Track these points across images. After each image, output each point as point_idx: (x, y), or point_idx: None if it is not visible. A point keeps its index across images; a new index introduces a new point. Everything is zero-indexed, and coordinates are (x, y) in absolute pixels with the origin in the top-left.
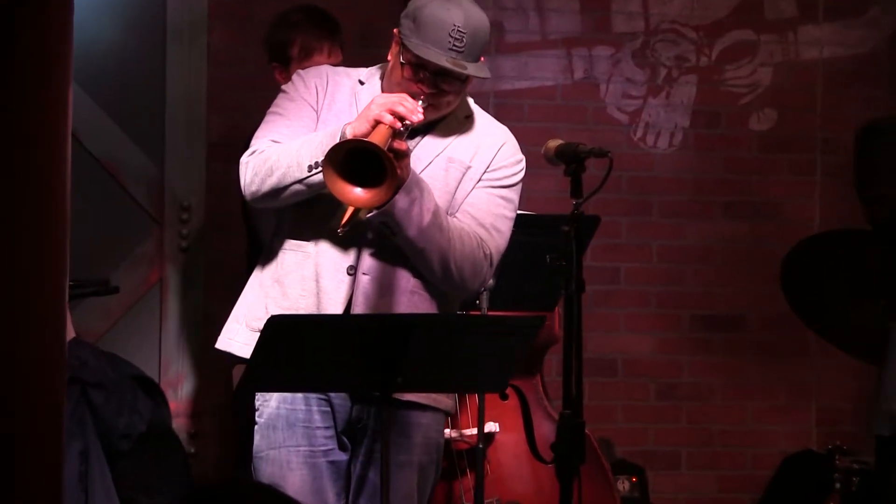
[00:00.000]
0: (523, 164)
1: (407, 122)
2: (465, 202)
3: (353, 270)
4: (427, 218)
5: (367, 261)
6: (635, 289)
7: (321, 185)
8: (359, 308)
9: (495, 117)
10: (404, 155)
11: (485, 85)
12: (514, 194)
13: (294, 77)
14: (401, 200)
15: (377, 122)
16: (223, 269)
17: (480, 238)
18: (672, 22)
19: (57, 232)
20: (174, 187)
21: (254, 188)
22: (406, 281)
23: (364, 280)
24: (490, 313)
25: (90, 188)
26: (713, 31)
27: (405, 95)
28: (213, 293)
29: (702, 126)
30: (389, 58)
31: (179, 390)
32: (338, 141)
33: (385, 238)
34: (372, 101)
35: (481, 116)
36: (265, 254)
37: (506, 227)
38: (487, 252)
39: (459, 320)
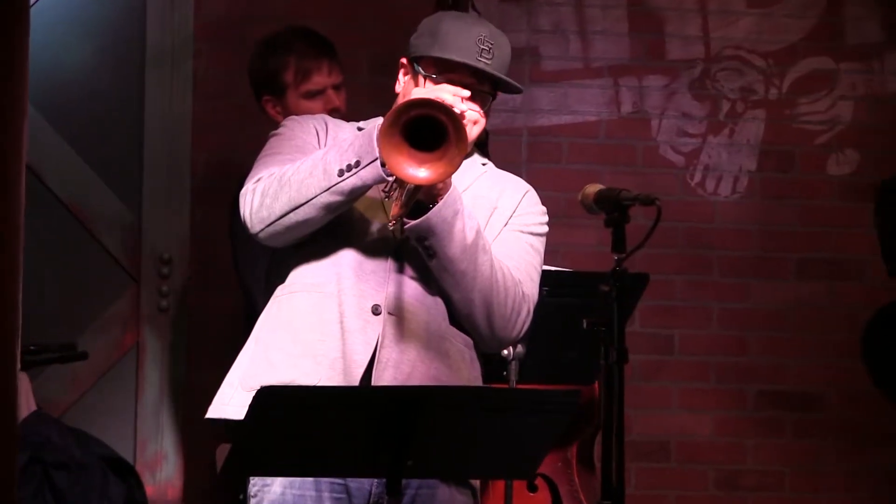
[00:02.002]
0: (547, 217)
1: (455, 110)
2: (494, 244)
3: (378, 310)
4: (471, 235)
5: (395, 300)
6: (691, 359)
7: (355, 193)
8: (387, 352)
9: (528, 158)
10: None
11: (516, 121)
12: (540, 246)
13: (286, 121)
14: (445, 209)
15: None
16: (209, 332)
17: (519, 279)
18: (736, 47)
19: (5, 286)
20: (153, 237)
21: (264, 213)
22: (437, 324)
23: (391, 321)
24: (519, 386)
25: (55, 237)
26: (785, 58)
27: (445, 85)
28: (198, 360)
29: (771, 169)
30: (397, 90)
31: (158, 473)
32: (374, 138)
33: (416, 273)
34: (411, 92)
35: (497, 169)
36: (263, 308)
37: (537, 279)
38: (527, 294)
39: (482, 393)
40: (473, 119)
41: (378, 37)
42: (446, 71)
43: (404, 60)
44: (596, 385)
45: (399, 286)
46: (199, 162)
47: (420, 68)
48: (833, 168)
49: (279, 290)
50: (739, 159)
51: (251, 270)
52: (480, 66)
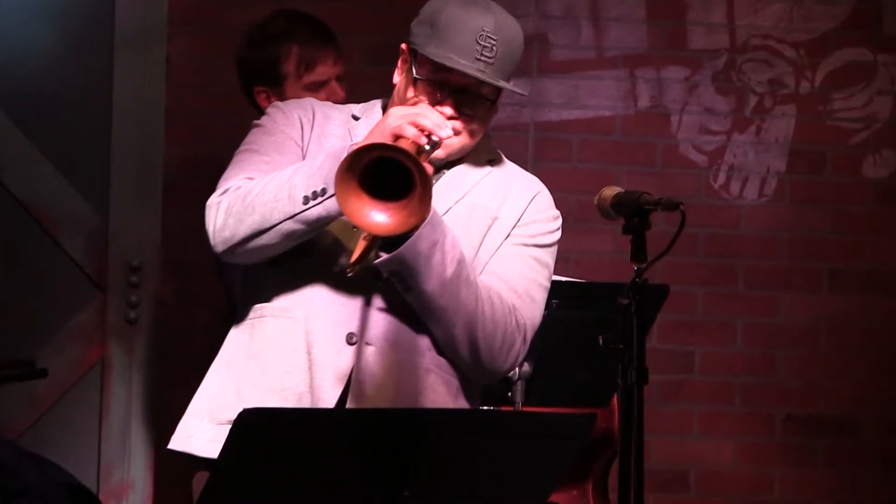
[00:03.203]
0: (560, 222)
1: (434, 137)
2: (491, 261)
3: (354, 339)
4: (451, 268)
5: (373, 327)
6: (714, 380)
7: (320, 223)
8: (362, 388)
9: (535, 156)
10: (430, 180)
11: (522, 115)
12: (549, 257)
13: (270, 109)
14: (420, 243)
15: (397, 137)
16: (183, 347)
17: (513, 305)
18: (765, 36)
19: None
20: (121, 242)
21: (227, 233)
22: (421, 355)
23: (369, 351)
24: (526, 409)
25: (11, 242)
26: (818, 48)
27: (429, 106)
28: (170, 378)
29: (802, 171)
30: (396, 79)
31: (125, 502)
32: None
33: (396, 298)
34: (387, 113)
35: (507, 163)
36: (233, 327)
37: (540, 297)
38: (521, 322)
39: (485, 417)
40: (466, 130)
41: (372, 22)
42: (442, 70)
43: (404, 47)
44: (613, 407)
45: (379, 313)
46: (173, 157)
47: (414, 68)
48: (869, 170)
49: (252, 311)
50: (767, 159)
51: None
52: (475, 72)
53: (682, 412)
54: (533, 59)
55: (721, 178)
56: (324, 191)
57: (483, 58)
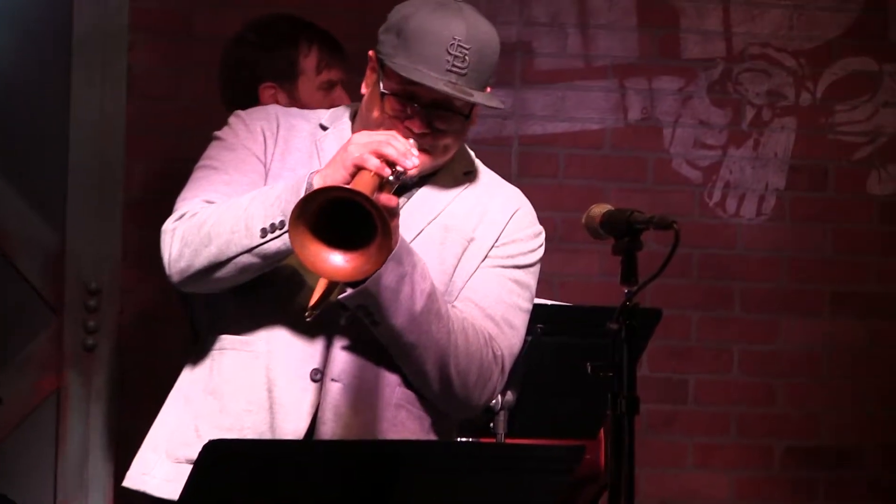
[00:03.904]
0: (542, 238)
1: (398, 168)
2: (466, 286)
3: (319, 375)
4: (420, 302)
5: (339, 363)
6: (709, 409)
7: (279, 257)
8: (327, 427)
9: (519, 171)
10: (393, 213)
11: (505, 128)
12: (530, 278)
13: (232, 119)
14: (387, 276)
15: (358, 169)
16: (144, 374)
17: (489, 334)
18: (763, 45)
19: None
20: (78, 263)
21: (182, 264)
22: (391, 390)
23: (334, 388)
24: (509, 441)
25: None
26: (819, 58)
27: (394, 133)
28: (131, 407)
29: (802, 188)
30: (364, 90)
31: None
32: (303, 194)
33: (364, 331)
34: (349, 140)
35: (486, 174)
36: (191, 358)
37: (520, 322)
38: (498, 353)
39: (466, 450)
40: (439, 146)
41: (351, 30)
42: (410, 83)
43: (372, 55)
44: (601, 438)
45: (346, 347)
46: (135, 173)
47: (382, 81)
48: (874, 187)
49: (213, 342)
50: (766, 175)
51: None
52: (444, 87)
53: (676, 444)
54: (517, 68)
55: (716, 196)
56: (282, 223)
57: (455, 69)
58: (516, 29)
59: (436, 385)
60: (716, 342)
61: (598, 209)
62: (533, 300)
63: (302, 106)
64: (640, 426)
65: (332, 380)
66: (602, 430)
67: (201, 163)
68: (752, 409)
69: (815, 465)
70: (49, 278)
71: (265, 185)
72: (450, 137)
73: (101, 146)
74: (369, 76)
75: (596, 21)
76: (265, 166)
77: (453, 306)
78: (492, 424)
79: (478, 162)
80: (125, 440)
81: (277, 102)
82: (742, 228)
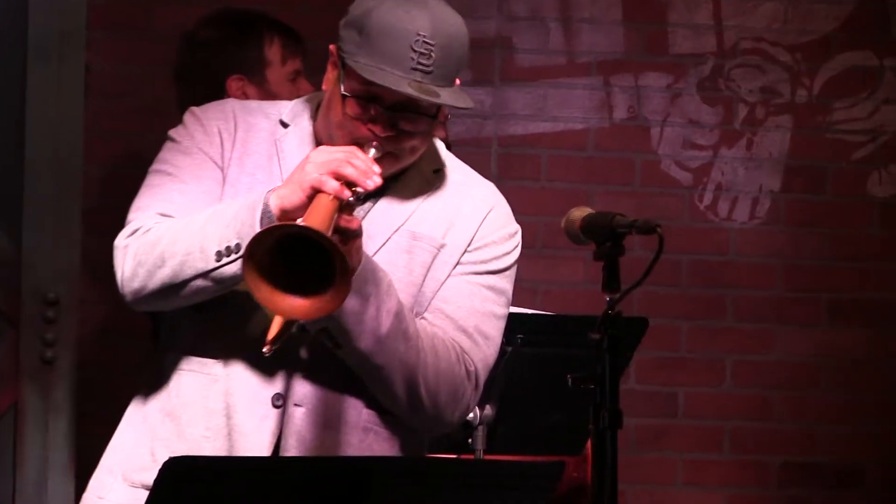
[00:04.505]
0: (519, 238)
1: (358, 189)
2: (437, 296)
3: (281, 400)
4: (387, 323)
5: (302, 386)
6: (700, 424)
7: (235, 281)
8: (290, 453)
9: (499, 174)
10: (354, 235)
11: (484, 128)
12: (506, 282)
13: (187, 118)
14: (350, 300)
15: (316, 191)
16: (106, 390)
17: (461, 348)
18: (756, 39)
19: None
20: (35, 272)
21: (136, 284)
22: (357, 413)
23: (298, 414)
24: (488, 457)
25: None
26: (816, 52)
27: (354, 150)
28: (92, 425)
29: (798, 190)
30: (325, 86)
31: None
32: (259, 215)
33: (327, 352)
34: (307, 157)
35: (458, 170)
36: (150, 374)
37: (496, 331)
38: (471, 368)
39: (440, 467)
40: (405, 148)
41: (318, 27)
42: (371, 84)
43: (333, 49)
44: (586, 455)
45: (309, 370)
46: (93, 178)
47: (343, 82)
48: (875, 188)
49: (172, 359)
50: (760, 177)
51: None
52: (407, 89)
53: (665, 460)
54: (496, 65)
55: (708, 199)
56: (238, 246)
57: (420, 66)
58: (495, 23)
59: (405, 406)
60: (707, 353)
61: (579, 213)
62: (509, 305)
63: (272, 97)
64: (628, 441)
65: (295, 405)
66: (588, 446)
67: (155, 166)
68: (746, 423)
69: (812, 482)
70: (4, 289)
71: (222, 191)
72: (416, 139)
73: (58, 151)
74: (330, 71)
75: (579, 15)
76: (223, 171)
77: (423, 318)
78: (470, 440)
79: (448, 157)
80: (86, 457)
81: (245, 94)
82: (735, 233)
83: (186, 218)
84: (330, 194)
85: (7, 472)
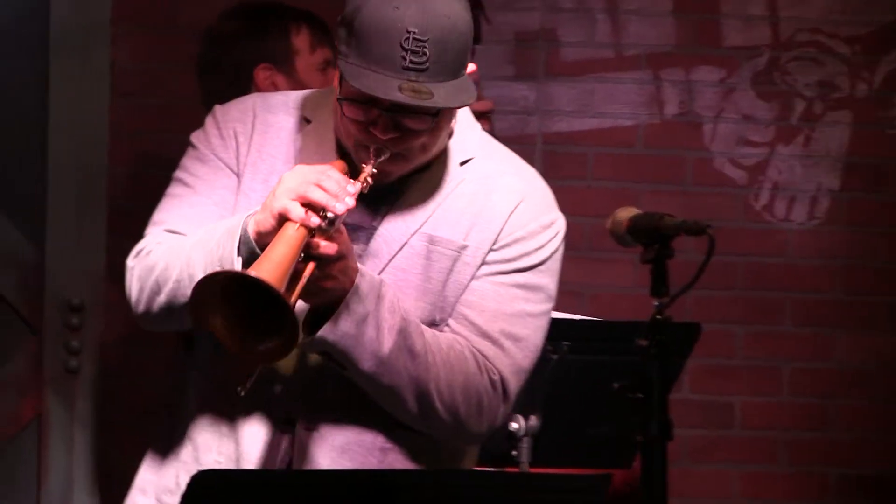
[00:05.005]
0: (557, 227)
1: (330, 214)
2: (461, 300)
3: (290, 424)
4: (389, 342)
5: (312, 408)
6: (756, 434)
7: None
8: None
9: (543, 173)
10: (333, 260)
11: (528, 125)
12: (541, 277)
13: (207, 119)
14: (344, 321)
15: (284, 219)
16: (132, 397)
17: (482, 356)
18: (813, 31)
19: None
20: (58, 277)
21: (141, 309)
22: (375, 435)
23: (309, 438)
24: (533, 470)
25: None
26: (876, 44)
27: (327, 170)
28: (118, 435)
29: (858, 188)
30: (335, 83)
31: None
32: (237, 242)
33: (335, 372)
34: (280, 179)
35: (491, 159)
36: (176, 390)
37: (529, 330)
38: (495, 377)
39: (482, 480)
40: (414, 146)
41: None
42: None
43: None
44: (636, 468)
45: (319, 391)
46: (118, 178)
47: (340, 85)
48: None
49: (192, 377)
50: (818, 175)
51: None
52: (397, 94)
53: (720, 473)
54: (540, 59)
55: (763, 198)
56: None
57: (413, 65)
58: (539, 16)
59: (421, 422)
60: (763, 360)
61: (625, 213)
62: (552, 299)
63: (302, 86)
64: (680, 453)
65: (305, 428)
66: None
67: (175, 174)
68: (805, 434)
69: (872, 496)
70: (26, 295)
71: (236, 200)
72: (424, 136)
73: (83, 151)
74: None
75: (627, 6)
76: (238, 176)
77: (446, 325)
78: (514, 452)
79: (483, 144)
80: (112, 470)
81: (274, 85)
82: (792, 234)
83: (183, 240)
84: (296, 223)
85: (31, 486)
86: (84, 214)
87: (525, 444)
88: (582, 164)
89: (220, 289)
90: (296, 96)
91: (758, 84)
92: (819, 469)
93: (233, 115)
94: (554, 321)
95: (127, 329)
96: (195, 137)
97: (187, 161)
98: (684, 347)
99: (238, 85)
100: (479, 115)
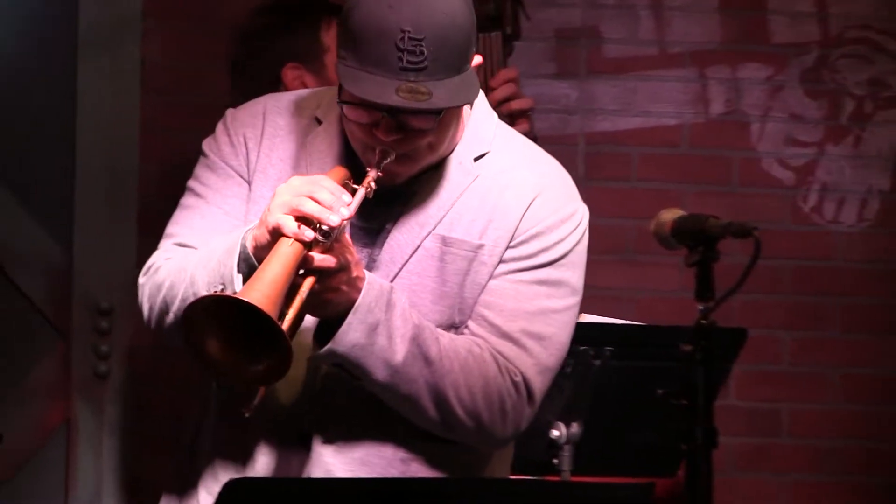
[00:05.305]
0: (579, 218)
1: (323, 227)
2: (480, 301)
3: (306, 438)
4: (402, 350)
5: (331, 421)
6: (804, 443)
7: None
8: None
9: (586, 174)
10: (332, 273)
11: (570, 125)
12: (563, 272)
13: (218, 126)
14: (353, 332)
15: (277, 234)
16: (162, 405)
17: (503, 357)
18: (864, 27)
19: None
20: (87, 280)
21: (154, 326)
22: (395, 447)
23: (326, 452)
24: (574, 479)
25: None
26: None
27: (321, 180)
28: (147, 442)
29: None
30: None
31: None
32: (236, 258)
33: (350, 384)
34: (276, 192)
35: (507, 153)
36: (202, 403)
37: (554, 327)
38: (517, 378)
39: (521, 489)
40: (422, 146)
41: None
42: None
43: None
44: (680, 476)
45: (334, 403)
46: (149, 177)
47: (340, 86)
48: None
49: (220, 398)
50: (868, 176)
51: None
52: (392, 98)
53: (767, 482)
54: (581, 57)
55: (812, 200)
56: (223, 289)
57: (410, 65)
58: (580, 12)
59: (442, 429)
60: (811, 366)
61: (669, 215)
62: (577, 293)
63: (331, 84)
64: (726, 462)
65: (323, 443)
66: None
67: (189, 183)
68: (853, 442)
69: None
70: (54, 298)
71: (247, 208)
72: (432, 135)
73: (112, 150)
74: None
75: (671, 2)
76: (248, 183)
77: (465, 327)
78: (556, 460)
79: (499, 137)
80: (140, 475)
81: (303, 84)
82: (841, 236)
83: (190, 256)
84: (289, 237)
85: (59, 493)
86: (114, 215)
87: (566, 452)
88: (625, 164)
89: (210, 312)
90: (308, 96)
91: (806, 82)
92: (869, 479)
93: (242, 120)
94: (596, 325)
95: (158, 333)
96: (206, 145)
97: (199, 170)
98: (730, 353)
99: (269, 83)
100: (519, 114)
